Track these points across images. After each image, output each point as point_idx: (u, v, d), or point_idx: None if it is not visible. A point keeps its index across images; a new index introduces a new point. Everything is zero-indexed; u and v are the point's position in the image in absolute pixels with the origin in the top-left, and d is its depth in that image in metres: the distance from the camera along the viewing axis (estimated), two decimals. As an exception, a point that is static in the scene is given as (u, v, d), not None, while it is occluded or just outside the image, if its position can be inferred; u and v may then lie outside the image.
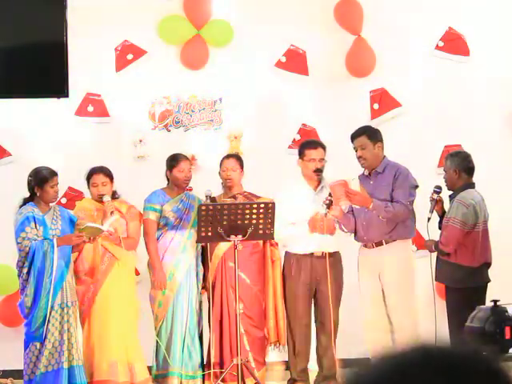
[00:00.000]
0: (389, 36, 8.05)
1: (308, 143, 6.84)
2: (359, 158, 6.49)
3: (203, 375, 6.65)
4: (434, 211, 6.32)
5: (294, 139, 8.03)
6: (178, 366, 6.59)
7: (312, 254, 6.63)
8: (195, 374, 6.63)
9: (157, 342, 6.63)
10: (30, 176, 6.32)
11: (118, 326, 6.43)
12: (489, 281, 6.23)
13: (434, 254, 6.33)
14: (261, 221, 6.25)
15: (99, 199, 6.56)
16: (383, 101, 8.06)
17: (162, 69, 8.04)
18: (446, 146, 7.90)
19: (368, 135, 6.50)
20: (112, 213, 6.43)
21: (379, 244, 6.44)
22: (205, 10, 8.03)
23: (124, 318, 6.46)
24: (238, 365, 6.21)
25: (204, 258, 6.75)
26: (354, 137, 6.53)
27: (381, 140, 6.54)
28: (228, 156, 6.95)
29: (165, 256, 6.67)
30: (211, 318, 6.70)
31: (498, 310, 4.08)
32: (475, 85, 8.05)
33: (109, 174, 6.64)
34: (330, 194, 6.30)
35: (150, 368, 6.69)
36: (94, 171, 6.64)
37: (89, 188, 6.69)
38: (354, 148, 6.52)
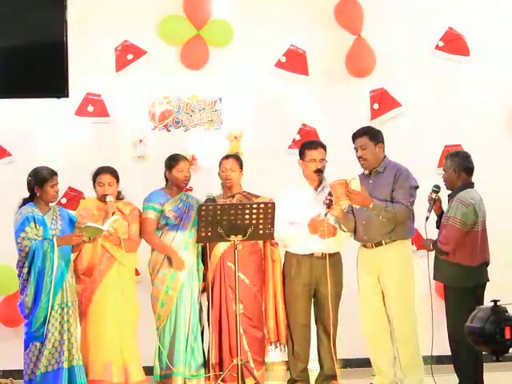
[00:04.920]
0: (389, 36, 8.06)
1: (308, 143, 6.84)
2: (359, 157, 6.50)
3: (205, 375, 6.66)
4: (432, 210, 6.32)
5: (294, 139, 8.04)
6: (182, 366, 6.59)
7: (312, 254, 6.63)
8: (198, 373, 6.64)
9: (158, 342, 6.64)
10: (29, 176, 6.33)
11: (114, 327, 6.42)
12: (488, 280, 6.23)
13: (432, 254, 6.33)
14: (261, 221, 6.25)
15: (103, 199, 6.56)
16: (383, 101, 8.07)
17: (162, 69, 8.06)
18: (446, 146, 7.91)
19: (369, 136, 6.50)
20: (113, 213, 6.43)
21: (379, 244, 6.44)
22: (205, 9, 8.04)
23: (121, 318, 6.45)
24: (237, 365, 6.21)
25: (204, 257, 6.75)
26: (355, 137, 6.54)
27: (382, 141, 6.54)
28: (227, 156, 6.95)
29: (167, 255, 6.67)
30: (210, 318, 6.70)
31: (497, 309, 4.08)
32: (475, 85, 8.06)
33: (115, 175, 6.65)
34: (330, 194, 6.31)
35: (150, 368, 6.69)
36: (102, 171, 6.64)
37: (94, 187, 6.68)
38: (355, 148, 6.52)
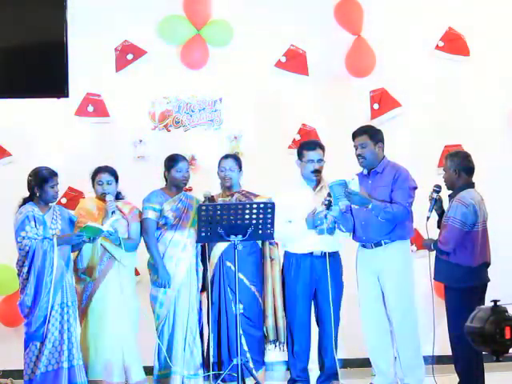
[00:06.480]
0: (389, 36, 8.06)
1: (306, 144, 6.84)
2: (358, 155, 6.49)
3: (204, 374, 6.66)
4: (433, 210, 6.32)
5: (294, 139, 8.04)
6: (180, 366, 6.59)
7: (311, 253, 6.64)
8: (197, 373, 6.64)
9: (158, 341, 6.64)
10: (29, 176, 6.33)
11: (114, 327, 6.42)
12: (488, 280, 6.23)
13: (433, 254, 6.33)
14: (260, 221, 6.24)
15: (102, 198, 6.56)
16: (383, 101, 8.07)
17: (162, 69, 8.06)
18: (445, 146, 7.91)
19: (370, 134, 6.50)
20: (113, 213, 6.44)
21: (378, 244, 6.44)
22: (205, 9, 8.04)
23: (122, 318, 6.45)
24: (237, 365, 6.21)
25: (203, 257, 6.75)
26: (355, 135, 6.53)
27: (382, 141, 6.54)
28: (226, 156, 6.95)
29: (165, 255, 6.67)
30: (210, 318, 6.70)
31: (498, 309, 4.08)
32: (475, 85, 8.06)
33: (114, 174, 6.66)
34: (328, 195, 6.31)
35: (150, 368, 6.69)
36: (100, 170, 6.65)
37: (93, 187, 6.69)
38: (355, 146, 6.51)
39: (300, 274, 6.65)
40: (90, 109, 8.03)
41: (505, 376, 6.92)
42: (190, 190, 7.34)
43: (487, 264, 6.25)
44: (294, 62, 8.12)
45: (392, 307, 6.42)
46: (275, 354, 6.98)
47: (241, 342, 6.41)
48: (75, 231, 6.33)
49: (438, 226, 6.40)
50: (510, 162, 8.02)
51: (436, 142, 7.95)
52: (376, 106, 8.08)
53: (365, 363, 7.01)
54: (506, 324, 4.03)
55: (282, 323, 6.75)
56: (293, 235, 6.64)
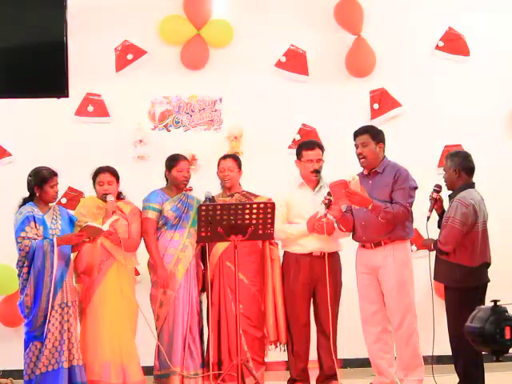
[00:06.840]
0: (389, 36, 8.07)
1: (305, 144, 6.83)
2: (359, 154, 6.48)
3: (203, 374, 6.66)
4: (434, 210, 6.32)
5: (294, 139, 8.04)
6: (180, 366, 6.59)
7: (311, 253, 6.63)
8: (197, 373, 6.63)
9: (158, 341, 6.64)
10: (29, 176, 6.33)
11: (113, 327, 6.42)
12: (488, 281, 6.23)
13: (433, 254, 6.33)
14: (261, 221, 6.24)
15: (103, 198, 6.57)
16: (383, 101, 8.07)
17: (162, 69, 8.06)
18: (446, 146, 7.92)
19: (371, 134, 6.49)
20: (114, 212, 6.44)
21: (378, 245, 6.43)
22: (205, 9, 8.05)
23: (120, 318, 6.45)
24: (237, 365, 6.21)
25: (203, 257, 6.75)
26: (356, 134, 6.52)
27: (383, 141, 6.53)
28: (225, 156, 6.95)
29: (165, 255, 6.67)
30: (210, 318, 6.70)
31: (498, 309, 4.08)
32: (475, 85, 8.07)
33: (115, 174, 6.66)
34: (329, 194, 6.31)
35: (150, 368, 6.69)
36: (101, 170, 6.65)
37: (94, 187, 6.69)
38: (356, 145, 6.50)
39: (300, 274, 6.64)
40: (90, 109, 8.04)
41: (505, 376, 6.92)
42: (191, 189, 7.34)
43: (487, 264, 6.24)
44: (294, 61, 8.13)
45: (392, 307, 6.42)
46: (275, 354, 6.97)
47: (241, 342, 6.41)
48: (75, 231, 6.33)
49: (438, 226, 6.40)
50: (509, 162, 8.03)
51: (436, 142, 7.95)
52: (376, 106, 8.09)
53: (365, 363, 7.02)
54: (506, 324, 4.03)
55: (282, 323, 6.74)
56: (293, 235, 6.63)
